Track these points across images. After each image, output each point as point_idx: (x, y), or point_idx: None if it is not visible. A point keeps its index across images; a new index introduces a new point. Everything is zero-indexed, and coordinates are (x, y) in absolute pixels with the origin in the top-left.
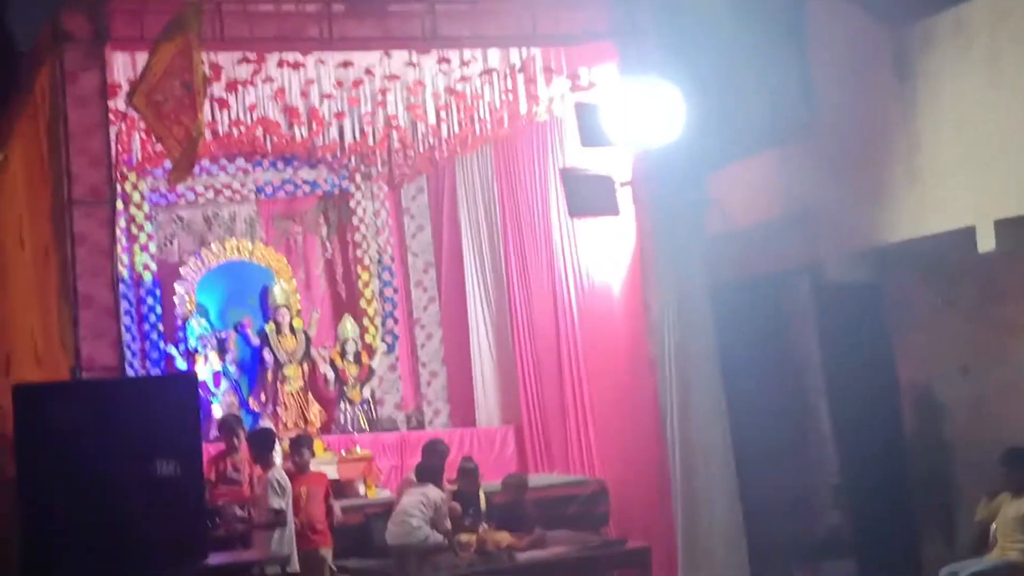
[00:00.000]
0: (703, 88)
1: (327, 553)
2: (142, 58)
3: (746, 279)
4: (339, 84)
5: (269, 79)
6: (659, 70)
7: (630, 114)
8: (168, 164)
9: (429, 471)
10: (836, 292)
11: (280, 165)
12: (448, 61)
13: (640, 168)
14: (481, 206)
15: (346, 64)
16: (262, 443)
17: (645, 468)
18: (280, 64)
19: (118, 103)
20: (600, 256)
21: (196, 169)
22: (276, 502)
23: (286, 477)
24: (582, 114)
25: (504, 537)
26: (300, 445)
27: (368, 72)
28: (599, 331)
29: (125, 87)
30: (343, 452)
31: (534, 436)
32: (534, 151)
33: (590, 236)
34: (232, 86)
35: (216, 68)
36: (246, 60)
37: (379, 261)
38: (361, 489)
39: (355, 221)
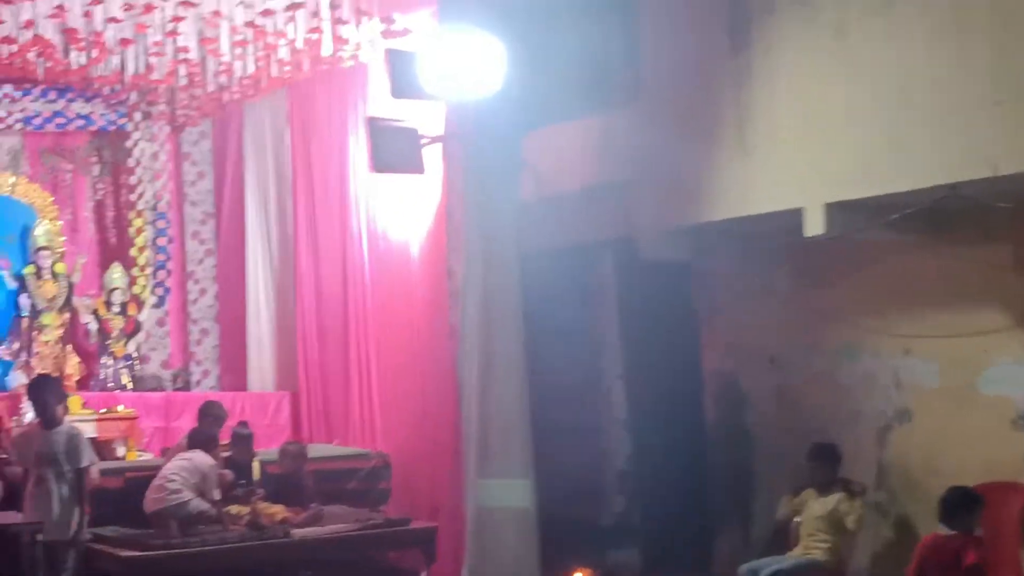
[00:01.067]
0: (525, 44)
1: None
2: None
3: (556, 249)
4: (128, 8)
5: None
6: (480, 21)
7: (446, 65)
8: None
9: (201, 437)
10: (645, 269)
11: (52, 95)
12: None
13: (452, 124)
14: (270, 156)
15: None
16: (52, 391)
17: (437, 443)
18: None
19: None
20: (399, 217)
21: None
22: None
23: None
24: (394, 62)
25: (279, 510)
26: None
27: None
28: (394, 296)
29: None
30: (103, 410)
31: (312, 404)
32: (334, 99)
33: (390, 195)
34: None
35: None
36: None
37: (154, 207)
38: (121, 451)
39: (131, 162)
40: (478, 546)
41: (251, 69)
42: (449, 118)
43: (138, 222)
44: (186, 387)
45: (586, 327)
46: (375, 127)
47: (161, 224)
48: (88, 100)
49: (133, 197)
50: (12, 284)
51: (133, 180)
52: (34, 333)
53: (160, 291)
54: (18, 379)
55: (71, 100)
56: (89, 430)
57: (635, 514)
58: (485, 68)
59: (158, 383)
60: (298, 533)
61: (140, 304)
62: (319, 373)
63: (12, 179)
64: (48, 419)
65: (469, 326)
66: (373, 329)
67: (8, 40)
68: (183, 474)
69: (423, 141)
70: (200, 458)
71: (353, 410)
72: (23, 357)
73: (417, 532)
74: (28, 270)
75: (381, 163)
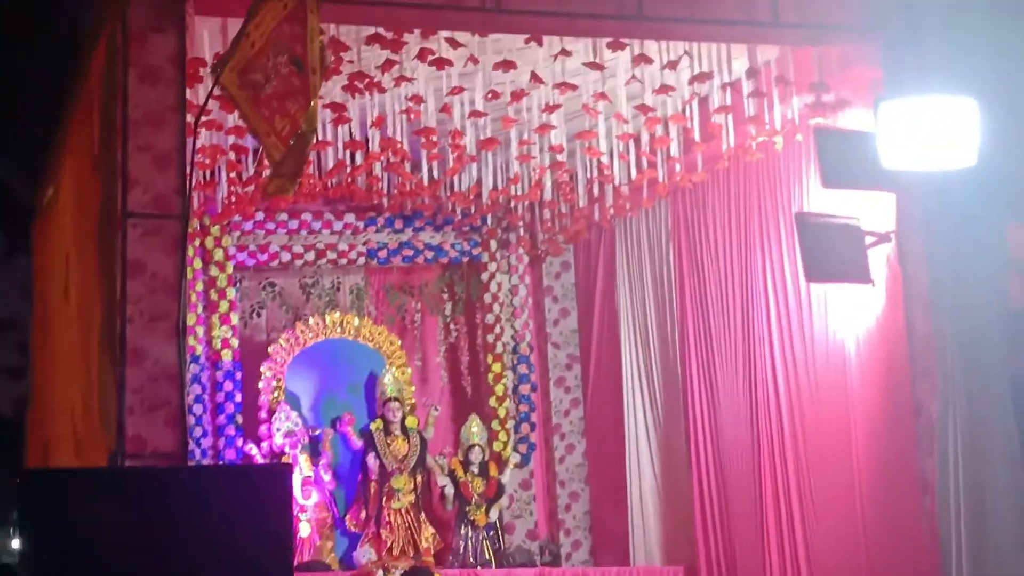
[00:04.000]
0: (1004, 103)
1: None
2: (235, 25)
3: None
4: (492, 96)
5: (403, 79)
6: (944, 78)
7: (899, 141)
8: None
9: None
10: None
11: (398, 224)
12: (648, 62)
13: (909, 215)
14: (649, 281)
15: (507, 65)
16: None
17: None
18: (422, 56)
19: (199, 89)
20: (831, 340)
21: (295, 224)
22: None
23: None
24: (825, 143)
25: None
26: None
27: (535, 79)
28: (828, 443)
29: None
30: None
31: None
32: (733, 200)
33: (815, 312)
34: (354, 84)
35: (338, 48)
36: (378, 40)
37: (514, 350)
38: None
39: (487, 299)
40: None
41: (632, 173)
42: (903, 208)
43: (497, 367)
44: (554, 562)
45: None
46: (806, 225)
47: (523, 369)
48: (437, 229)
49: (490, 339)
50: (358, 442)
51: (490, 319)
52: (383, 499)
53: (524, 448)
54: (367, 555)
55: (418, 229)
56: None
57: None
58: (952, 140)
59: (528, 557)
60: None
61: (502, 463)
62: (723, 543)
63: (356, 321)
64: None
65: (951, 479)
66: (800, 494)
67: (355, 144)
68: None
69: (868, 240)
70: None
71: None
72: (371, 528)
73: None
74: (375, 425)
75: (817, 270)
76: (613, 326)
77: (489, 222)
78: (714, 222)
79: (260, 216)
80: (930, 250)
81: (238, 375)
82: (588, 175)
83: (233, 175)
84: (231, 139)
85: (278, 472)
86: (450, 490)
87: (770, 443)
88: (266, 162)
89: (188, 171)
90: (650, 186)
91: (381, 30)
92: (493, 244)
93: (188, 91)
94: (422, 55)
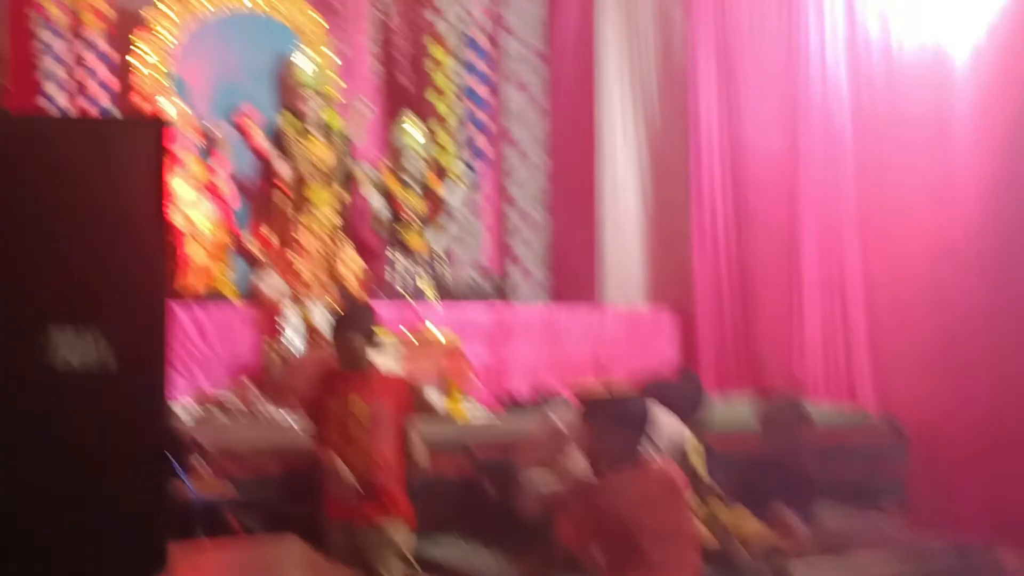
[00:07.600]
0: None
1: (399, 531)
2: None
3: None
4: None
5: None
6: None
7: None
8: None
9: (676, 393)
10: None
11: None
12: None
13: None
14: None
15: None
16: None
17: (1001, 408)
18: None
19: None
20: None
21: None
22: None
23: None
24: None
25: (753, 527)
26: (353, 323)
27: None
28: (902, 163)
29: None
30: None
31: (727, 330)
32: None
33: None
34: None
35: None
36: None
37: (462, 33)
38: (438, 401)
39: None
40: None
41: None
42: None
43: (438, 53)
44: (501, 297)
45: None
46: None
47: (471, 56)
48: None
49: (430, 15)
50: (263, 143)
51: None
52: (296, 215)
53: (471, 157)
54: (272, 282)
55: None
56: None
57: None
58: None
59: (476, 290)
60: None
61: (445, 176)
62: (737, 281)
63: None
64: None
65: None
66: (850, 216)
67: None
68: None
69: None
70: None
71: (807, 342)
72: (278, 250)
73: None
74: (286, 120)
75: None
76: (587, 15)
77: None
78: None
79: None
80: None
81: (107, 50)
82: None
83: None
84: None
85: (146, 129)
86: (381, 206)
87: (813, 166)
88: None
89: None
90: None
91: None
92: None
93: None
94: None
